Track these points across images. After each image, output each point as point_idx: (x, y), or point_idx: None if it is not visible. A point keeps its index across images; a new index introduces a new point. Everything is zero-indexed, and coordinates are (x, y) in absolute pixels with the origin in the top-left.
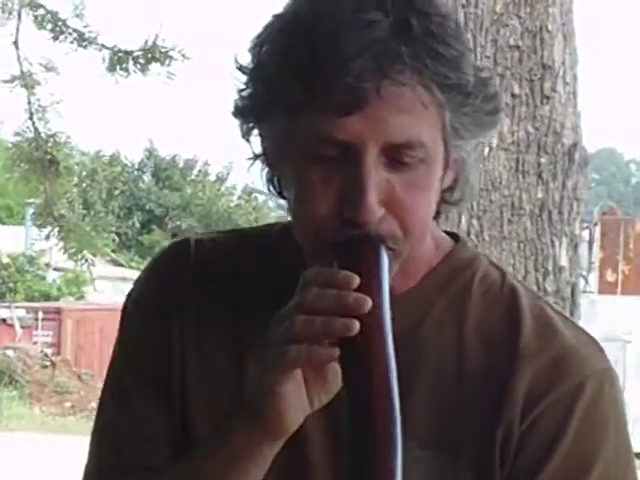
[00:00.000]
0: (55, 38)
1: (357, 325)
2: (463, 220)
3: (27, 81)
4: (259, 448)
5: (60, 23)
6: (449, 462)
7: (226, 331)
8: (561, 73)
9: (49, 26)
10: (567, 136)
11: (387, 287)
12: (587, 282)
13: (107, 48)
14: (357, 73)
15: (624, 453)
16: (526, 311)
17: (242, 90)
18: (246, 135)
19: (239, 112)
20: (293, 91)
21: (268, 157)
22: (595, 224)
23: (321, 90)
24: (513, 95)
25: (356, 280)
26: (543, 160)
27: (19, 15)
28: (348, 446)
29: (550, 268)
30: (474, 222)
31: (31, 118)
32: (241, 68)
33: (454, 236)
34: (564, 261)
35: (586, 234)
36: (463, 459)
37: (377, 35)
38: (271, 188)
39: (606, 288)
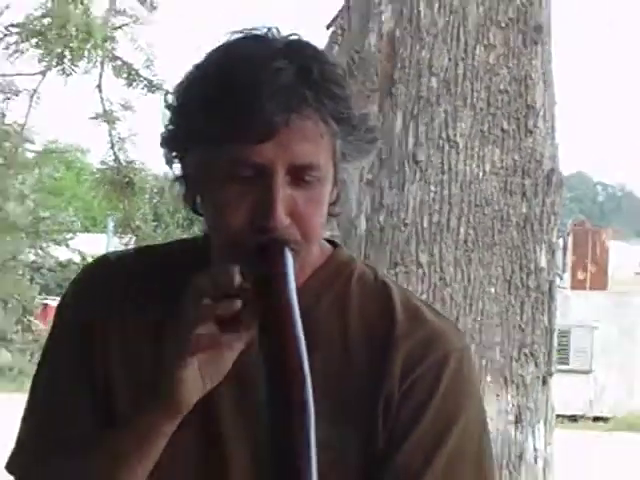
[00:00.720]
0: (129, 85)
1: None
2: (462, 230)
3: (108, 118)
4: (160, 427)
5: (133, 72)
6: (339, 425)
7: (145, 328)
8: (541, 113)
9: (124, 74)
10: (546, 163)
11: (293, 282)
12: (562, 279)
13: (171, 93)
14: (271, 111)
15: (480, 413)
16: (397, 301)
17: (167, 125)
18: (169, 162)
19: (165, 143)
20: (216, 127)
21: (188, 180)
22: (568, 234)
23: (241, 125)
24: (502, 130)
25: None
26: (527, 182)
27: (102, 65)
28: (269, 408)
29: (532, 269)
30: (470, 231)
31: (112, 148)
32: (169, 107)
33: (332, 242)
34: (543, 263)
35: (561, 242)
36: (350, 429)
37: (285, 81)
38: (188, 206)
39: (577, 285)
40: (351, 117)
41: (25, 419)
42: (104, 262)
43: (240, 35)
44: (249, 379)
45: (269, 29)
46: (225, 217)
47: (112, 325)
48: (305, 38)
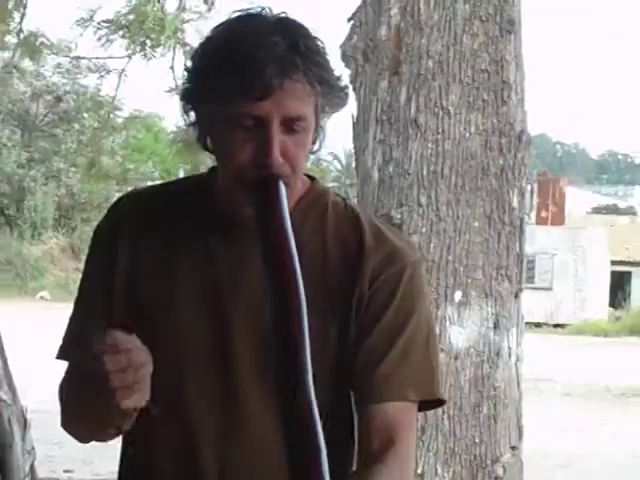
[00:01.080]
0: None
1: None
2: (452, 178)
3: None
4: (113, 420)
5: None
6: (321, 320)
7: (160, 239)
8: (514, 87)
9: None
10: (517, 126)
11: (287, 208)
12: (529, 217)
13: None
14: (269, 76)
15: (428, 311)
16: (365, 223)
17: (184, 83)
18: (185, 112)
19: (182, 97)
20: (224, 87)
21: (200, 126)
22: (534, 181)
23: (245, 87)
24: (483, 100)
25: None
26: (502, 141)
27: (174, 50)
28: (273, 304)
29: (507, 208)
30: (459, 179)
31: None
32: (187, 69)
33: (310, 177)
34: (515, 204)
35: (529, 187)
36: (329, 323)
37: (280, 52)
38: (201, 145)
39: (541, 221)
40: (330, 80)
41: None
42: (131, 195)
43: (242, 13)
44: (256, 284)
45: (263, 8)
46: (232, 157)
47: (135, 239)
48: (293, 17)
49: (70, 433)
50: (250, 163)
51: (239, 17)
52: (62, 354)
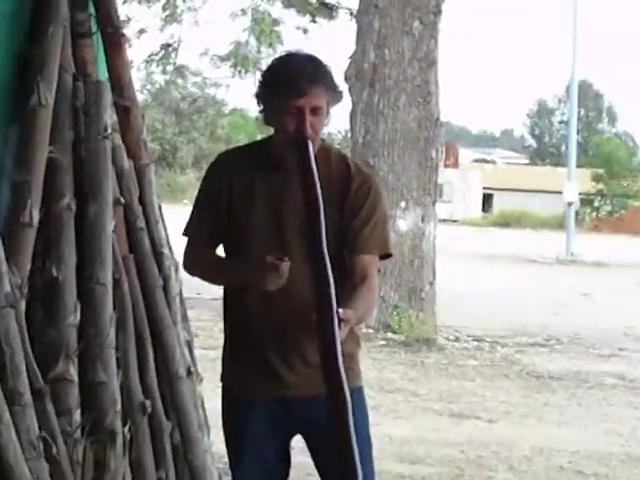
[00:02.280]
0: None
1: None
2: (401, 142)
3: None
4: (245, 280)
5: None
6: (330, 211)
7: (246, 172)
8: (433, 94)
9: None
10: (435, 115)
11: (314, 160)
12: (440, 163)
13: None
14: (303, 85)
15: (385, 207)
16: (350, 162)
17: (257, 91)
18: (258, 104)
19: (255, 96)
20: (280, 91)
21: (267, 111)
22: (443, 145)
23: (291, 91)
24: (418, 102)
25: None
26: (427, 123)
27: (254, 73)
28: (305, 205)
29: (429, 158)
30: (405, 143)
31: None
32: (259, 81)
33: (322, 139)
34: (434, 156)
35: (440, 148)
36: (334, 210)
37: (308, 72)
38: (265, 123)
39: (446, 166)
40: (335, 88)
41: (190, 214)
42: (229, 149)
43: (288, 51)
44: (296, 196)
45: (299, 50)
46: (284, 128)
47: (231, 174)
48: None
49: (192, 274)
50: (293, 132)
51: (287, 54)
52: (186, 232)
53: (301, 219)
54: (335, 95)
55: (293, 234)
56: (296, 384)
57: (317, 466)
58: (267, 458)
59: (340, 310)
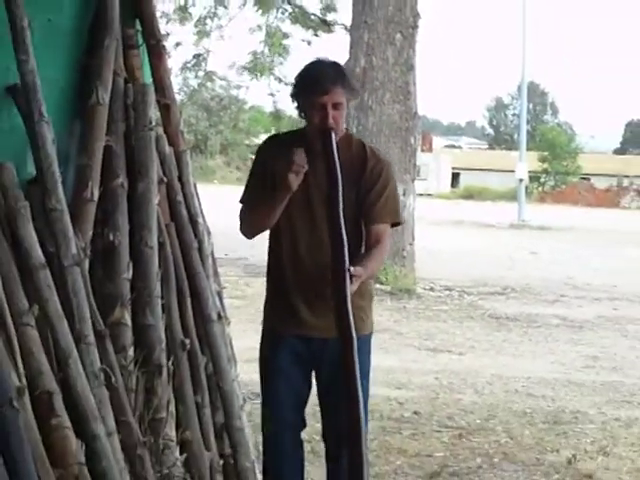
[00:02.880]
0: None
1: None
2: (387, 131)
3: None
4: (285, 196)
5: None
6: (349, 188)
7: (286, 155)
8: (412, 92)
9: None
10: (413, 109)
11: (335, 144)
12: (418, 148)
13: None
14: (327, 85)
15: (395, 182)
16: (368, 147)
17: (292, 91)
18: (293, 102)
19: (291, 96)
20: (309, 91)
21: (299, 107)
22: (420, 133)
23: (317, 90)
24: (400, 99)
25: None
26: (407, 116)
27: (269, 77)
28: (328, 184)
29: (409, 144)
30: (390, 132)
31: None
32: (293, 84)
33: (347, 129)
34: (413, 142)
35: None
36: (353, 187)
37: (331, 75)
38: (302, 116)
39: (423, 150)
40: (352, 87)
41: (245, 185)
42: (273, 134)
43: (315, 59)
44: (321, 175)
45: (324, 57)
46: (312, 120)
47: (276, 155)
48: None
49: (246, 232)
50: (319, 123)
51: (314, 61)
52: (242, 200)
53: (325, 194)
54: (353, 93)
55: (319, 206)
56: (317, 326)
57: (320, 403)
58: (290, 381)
59: (351, 268)
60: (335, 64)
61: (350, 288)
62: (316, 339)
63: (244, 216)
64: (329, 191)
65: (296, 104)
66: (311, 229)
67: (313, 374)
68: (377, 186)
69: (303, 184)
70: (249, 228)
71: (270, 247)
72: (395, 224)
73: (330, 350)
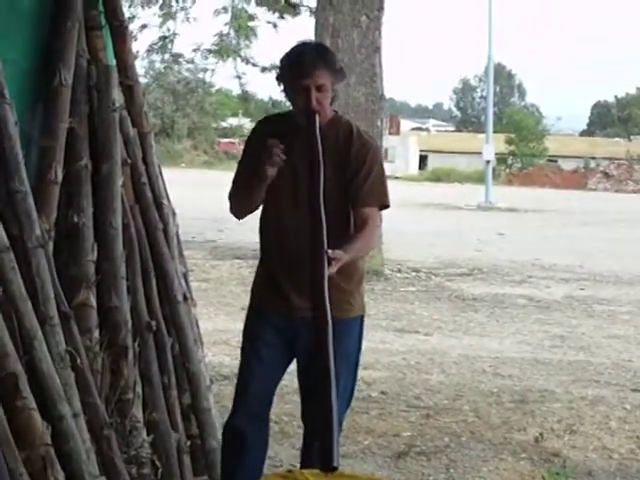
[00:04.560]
0: None
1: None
2: (352, 114)
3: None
4: (263, 182)
5: None
6: (333, 169)
7: (277, 134)
8: (378, 74)
9: None
10: (379, 91)
11: (319, 129)
12: (385, 131)
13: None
14: (309, 67)
15: (382, 165)
16: (355, 127)
17: (277, 77)
18: (279, 86)
19: (276, 79)
20: (292, 74)
21: (285, 89)
22: (387, 116)
23: (300, 73)
24: (366, 81)
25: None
26: (373, 99)
27: (235, 59)
28: (310, 163)
29: (375, 126)
30: (355, 114)
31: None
32: (278, 67)
33: (335, 111)
34: (379, 124)
35: (385, 119)
36: (337, 168)
37: (315, 57)
38: (286, 98)
39: (390, 133)
40: (337, 69)
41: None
42: (265, 117)
43: (300, 42)
44: (304, 155)
45: (308, 40)
46: (296, 103)
47: (267, 134)
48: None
49: (235, 213)
50: (302, 106)
51: (298, 44)
52: (233, 180)
53: (307, 174)
54: (338, 75)
55: (304, 187)
56: (301, 307)
57: (300, 386)
58: (267, 358)
59: (329, 251)
60: (319, 46)
61: (329, 270)
62: (299, 318)
63: (232, 197)
64: (310, 173)
65: (281, 87)
66: (296, 212)
67: (293, 362)
68: (363, 169)
69: (289, 167)
70: (236, 209)
71: (260, 229)
72: (383, 207)
73: (311, 330)
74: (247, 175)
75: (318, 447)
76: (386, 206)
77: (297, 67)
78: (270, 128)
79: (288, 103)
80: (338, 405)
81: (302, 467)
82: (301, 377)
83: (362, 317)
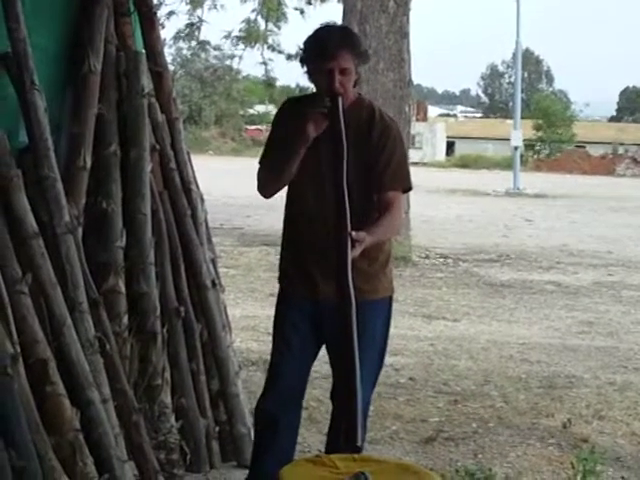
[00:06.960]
0: None
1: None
2: (380, 101)
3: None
4: (300, 148)
5: None
6: (355, 151)
7: (300, 118)
8: (406, 61)
9: None
10: (407, 76)
11: (342, 107)
12: (412, 117)
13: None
14: (334, 49)
15: (404, 149)
16: (377, 110)
17: (300, 59)
18: (303, 67)
19: (300, 61)
20: (317, 56)
21: (309, 72)
22: (415, 102)
23: (324, 55)
24: (394, 67)
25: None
26: (401, 84)
27: (262, 46)
28: (333, 145)
29: (403, 113)
30: (384, 100)
31: None
32: (302, 49)
33: (359, 93)
34: (407, 111)
35: (412, 104)
36: (360, 150)
37: (339, 39)
38: (310, 80)
39: (417, 120)
40: (361, 52)
41: (264, 146)
42: (291, 98)
43: (323, 23)
44: (329, 136)
45: (334, 22)
46: (320, 85)
47: (293, 113)
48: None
49: (263, 191)
50: (326, 88)
51: (321, 26)
52: (260, 161)
53: (330, 156)
54: (362, 57)
55: (329, 170)
56: (326, 290)
57: (331, 367)
58: (295, 342)
59: (353, 233)
60: (343, 28)
61: (352, 253)
62: (325, 301)
63: (261, 175)
64: (334, 157)
65: (305, 69)
66: (321, 195)
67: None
68: (385, 152)
69: (313, 149)
70: (265, 186)
71: (285, 212)
72: (406, 190)
73: (336, 313)
74: (279, 149)
75: (343, 428)
76: (409, 188)
77: (321, 50)
78: (294, 110)
79: (314, 89)
80: (362, 385)
81: (327, 450)
82: (331, 359)
83: (390, 299)
